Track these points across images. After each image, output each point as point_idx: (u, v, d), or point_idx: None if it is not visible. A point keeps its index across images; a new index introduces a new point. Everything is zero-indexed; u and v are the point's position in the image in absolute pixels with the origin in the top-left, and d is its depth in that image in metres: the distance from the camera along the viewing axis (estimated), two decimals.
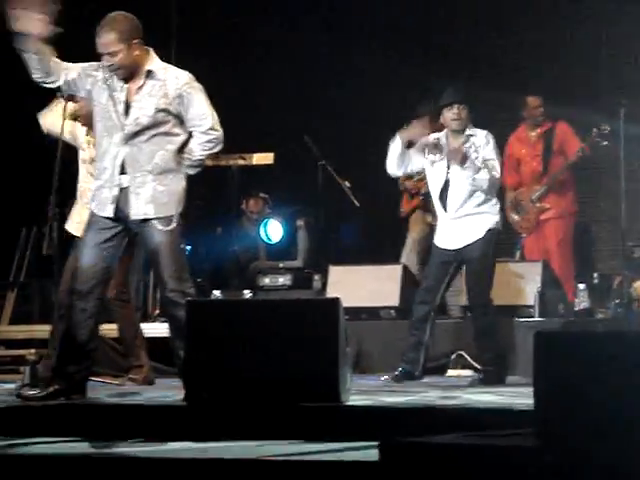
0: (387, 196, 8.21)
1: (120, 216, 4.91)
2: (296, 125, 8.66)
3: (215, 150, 5.01)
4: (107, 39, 4.85)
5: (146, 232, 4.91)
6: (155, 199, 4.87)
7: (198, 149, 4.94)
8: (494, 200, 6.15)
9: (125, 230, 4.96)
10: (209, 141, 4.95)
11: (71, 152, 5.97)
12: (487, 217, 6.10)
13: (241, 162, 8.13)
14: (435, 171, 6.16)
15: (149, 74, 4.90)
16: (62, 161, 5.57)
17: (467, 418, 4.17)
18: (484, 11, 8.92)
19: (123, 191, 4.88)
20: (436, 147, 6.15)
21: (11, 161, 8.54)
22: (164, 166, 4.90)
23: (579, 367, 3.49)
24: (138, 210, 4.88)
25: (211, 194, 8.44)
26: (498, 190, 6.32)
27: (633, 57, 8.38)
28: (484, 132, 6.15)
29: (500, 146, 7.83)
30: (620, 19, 8.38)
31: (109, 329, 6.84)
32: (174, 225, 4.89)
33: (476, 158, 6.00)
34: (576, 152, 7.58)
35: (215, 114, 4.96)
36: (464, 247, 6.08)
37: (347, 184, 7.94)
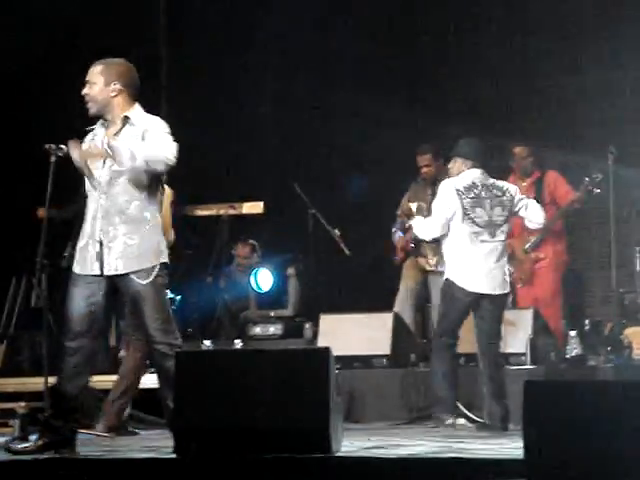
0: (377, 243, 8.23)
1: (102, 275, 4.88)
2: (286, 174, 8.69)
3: (157, 162, 4.75)
4: (92, 69, 4.93)
5: (125, 286, 4.88)
6: (126, 254, 4.84)
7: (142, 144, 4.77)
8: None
9: (110, 283, 4.91)
10: (158, 150, 4.75)
11: (61, 204, 5.98)
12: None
13: (231, 211, 8.14)
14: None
15: (126, 120, 4.90)
16: (51, 212, 5.58)
17: (458, 469, 4.15)
18: (473, 59, 8.99)
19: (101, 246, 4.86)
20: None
21: (1, 212, 8.54)
22: (138, 218, 4.86)
23: (569, 416, 3.49)
24: (110, 266, 4.85)
25: (201, 243, 8.44)
26: None
27: (619, 105, 8.44)
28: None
29: None
30: (603, 67, 8.47)
31: (98, 380, 6.82)
32: (153, 277, 4.84)
33: None
34: (571, 201, 7.60)
35: (175, 152, 4.80)
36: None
37: (337, 232, 7.95)
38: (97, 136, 4.97)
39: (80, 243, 4.95)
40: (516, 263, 7.73)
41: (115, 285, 4.92)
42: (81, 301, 4.87)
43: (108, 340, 7.31)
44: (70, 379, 4.88)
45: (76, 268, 4.94)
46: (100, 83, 4.89)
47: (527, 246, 7.73)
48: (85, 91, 4.92)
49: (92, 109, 4.93)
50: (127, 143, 4.77)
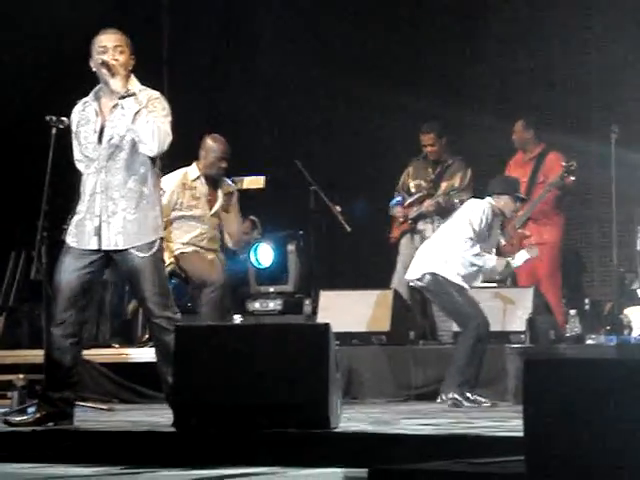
0: (378, 221, 8.22)
1: (100, 250, 4.86)
2: (287, 149, 8.67)
3: (146, 149, 4.75)
4: (119, 37, 4.85)
5: (123, 260, 4.85)
6: (125, 230, 4.82)
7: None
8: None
9: (105, 257, 4.90)
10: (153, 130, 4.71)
11: (61, 176, 5.96)
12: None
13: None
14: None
15: (125, 93, 4.83)
16: (52, 185, 5.55)
17: (456, 445, 4.16)
18: (478, 40, 8.95)
19: (100, 221, 4.83)
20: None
21: (0, 185, 8.52)
22: (137, 193, 4.84)
23: (569, 394, 3.48)
24: (109, 241, 4.84)
25: None
26: None
27: (623, 83, 8.41)
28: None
29: (494, 173, 7.93)
30: (608, 45, 8.43)
31: (97, 354, 6.83)
32: (151, 252, 4.82)
33: None
34: (544, 189, 7.63)
35: (169, 137, 4.78)
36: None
37: (338, 209, 7.94)
38: (90, 107, 4.91)
39: (77, 217, 4.91)
40: (507, 237, 7.76)
41: (111, 260, 4.90)
42: (72, 272, 4.84)
43: (107, 313, 7.30)
44: (60, 350, 4.86)
45: (72, 242, 4.90)
46: (127, 53, 4.85)
47: (516, 222, 7.74)
48: (118, 57, 4.80)
49: (111, 75, 4.76)
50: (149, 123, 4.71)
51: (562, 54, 8.77)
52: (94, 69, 4.87)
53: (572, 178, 7.46)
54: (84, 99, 4.99)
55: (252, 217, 8.63)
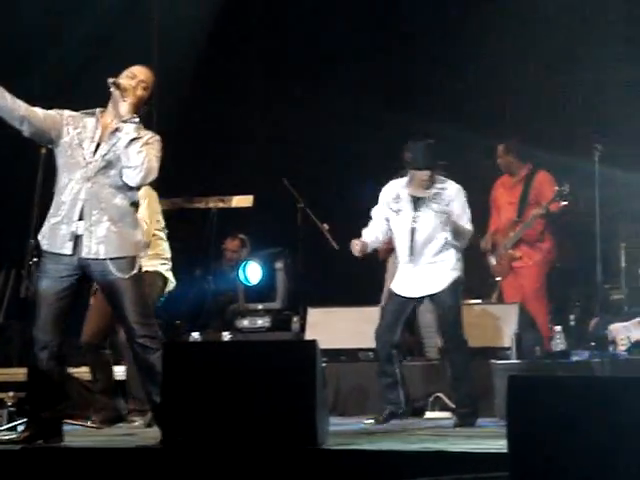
0: None
1: (76, 258, 4.85)
2: (276, 168, 8.72)
3: (131, 178, 4.86)
4: (150, 75, 4.97)
5: (102, 275, 4.86)
6: (108, 239, 4.83)
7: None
8: (459, 253, 6.25)
9: (83, 277, 4.90)
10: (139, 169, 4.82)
11: (50, 194, 6.00)
12: (451, 268, 6.20)
13: (220, 204, 8.17)
14: (400, 219, 6.24)
15: (129, 119, 4.92)
16: (41, 203, 5.59)
17: (443, 461, 4.19)
18: (466, 56, 9.02)
19: (80, 229, 4.84)
20: (398, 200, 6.24)
21: None
22: (122, 209, 4.88)
23: (552, 411, 3.52)
24: (90, 249, 4.84)
25: (190, 236, 8.46)
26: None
27: (608, 102, 8.49)
28: (455, 185, 6.25)
29: (486, 192, 7.98)
30: (592, 65, 8.51)
31: (85, 371, 6.84)
32: (133, 271, 4.84)
33: (446, 213, 6.11)
34: (533, 214, 7.66)
35: (154, 174, 4.87)
36: (427, 296, 6.19)
37: (326, 227, 7.99)
38: (90, 118, 4.98)
39: (52, 220, 4.90)
40: (496, 257, 7.82)
41: (87, 272, 4.89)
42: (50, 291, 4.84)
43: None
44: (46, 372, 4.86)
45: (45, 245, 4.90)
46: (149, 92, 4.95)
47: (507, 243, 7.80)
48: (139, 90, 4.91)
49: (128, 103, 4.86)
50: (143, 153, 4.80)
51: (548, 73, 8.84)
52: (109, 86, 4.94)
53: (564, 203, 7.49)
54: (86, 110, 5.04)
55: (241, 235, 8.69)
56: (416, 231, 6.17)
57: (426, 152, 6.17)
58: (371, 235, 6.30)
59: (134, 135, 4.83)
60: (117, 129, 4.91)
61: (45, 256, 4.91)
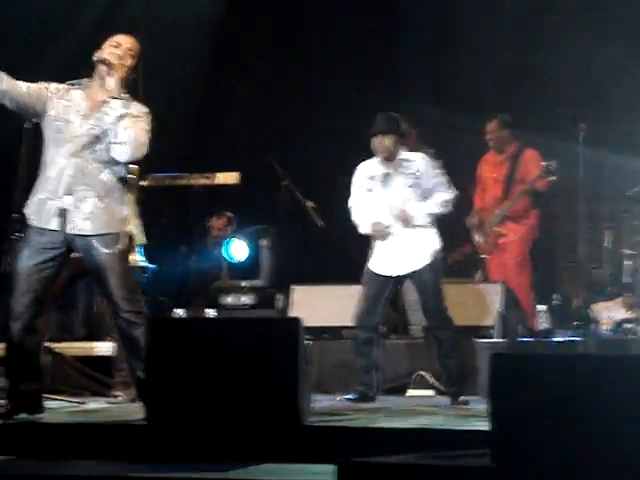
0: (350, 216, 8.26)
1: (62, 233, 4.83)
2: (261, 145, 8.69)
3: (121, 154, 4.83)
4: (134, 43, 4.92)
5: (87, 251, 4.85)
6: (94, 215, 4.82)
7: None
8: (434, 227, 6.27)
9: (67, 251, 4.88)
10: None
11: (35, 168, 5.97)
12: (430, 243, 6.22)
13: (205, 181, 8.14)
14: (373, 198, 6.29)
15: (120, 96, 4.88)
16: (25, 178, 5.56)
17: (424, 439, 4.21)
18: (451, 35, 9.00)
19: (66, 204, 4.81)
20: (372, 178, 6.27)
21: None
22: (109, 184, 4.86)
23: (535, 389, 3.54)
24: (75, 225, 4.82)
25: (175, 213, 8.44)
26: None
27: (593, 80, 8.49)
28: (419, 155, 6.29)
29: (468, 168, 7.97)
30: (580, 43, 8.50)
31: (69, 347, 6.84)
32: (118, 246, 4.84)
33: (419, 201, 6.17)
34: (518, 193, 7.69)
35: (144, 149, 4.86)
36: (407, 274, 6.19)
37: (310, 204, 7.98)
38: (77, 91, 4.94)
39: (39, 195, 4.87)
40: (482, 234, 7.83)
41: (73, 247, 4.87)
42: (31, 261, 4.81)
43: (80, 306, 7.30)
44: (20, 343, 4.85)
45: (32, 220, 4.87)
46: (136, 60, 4.93)
47: (492, 220, 7.81)
48: (126, 59, 4.89)
49: (104, 71, 4.85)
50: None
51: (535, 52, 8.84)
52: (95, 59, 4.91)
53: (552, 178, 7.50)
54: (71, 81, 5.01)
55: (228, 213, 8.67)
56: (390, 207, 6.19)
57: (383, 120, 6.27)
58: (369, 215, 6.29)
59: (123, 111, 4.80)
60: (104, 102, 4.88)
61: (30, 229, 4.89)
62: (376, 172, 6.31)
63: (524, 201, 7.75)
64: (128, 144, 4.79)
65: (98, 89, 4.92)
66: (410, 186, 6.20)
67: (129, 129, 4.79)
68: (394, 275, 6.24)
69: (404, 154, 6.29)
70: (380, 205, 6.26)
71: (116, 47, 4.90)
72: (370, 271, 6.34)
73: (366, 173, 6.36)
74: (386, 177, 6.26)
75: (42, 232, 4.85)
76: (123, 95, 4.87)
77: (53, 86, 4.96)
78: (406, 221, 6.17)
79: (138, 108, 4.90)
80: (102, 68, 4.87)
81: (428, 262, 6.17)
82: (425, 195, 6.22)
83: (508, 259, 7.72)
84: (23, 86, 4.90)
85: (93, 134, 4.87)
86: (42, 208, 4.85)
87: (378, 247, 6.31)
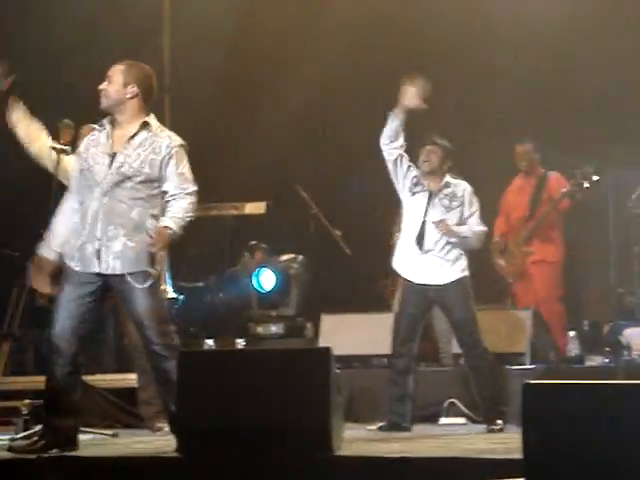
0: (378, 244, 8.27)
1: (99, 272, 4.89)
2: (288, 174, 8.72)
3: (192, 215, 4.97)
4: (115, 66, 4.98)
5: (120, 287, 4.88)
6: (124, 254, 4.85)
7: (183, 211, 4.90)
8: (465, 255, 6.26)
9: (103, 285, 4.91)
10: (192, 204, 4.94)
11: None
12: (460, 262, 6.21)
13: (234, 211, 8.18)
14: (413, 204, 6.26)
15: (145, 125, 4.94)
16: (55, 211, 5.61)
17: (457, 467, 4.20)
18: (476, 57, 8.98)
19: (99, 245, 4.86)
20: (417, 184, 6.26)
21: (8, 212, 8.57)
22: (139, 222, 4.88)
23: (567, 417, 3.52)
24: (107, 264, 4.86)
25: (204, 244, 8.47)
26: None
27: (620, 105, 8.46)
28: (466, 185, 6.29)
29: (494, 195, 7.96)
30: (607, 66, 8.47)
31: (101, 379, 6.87)
32: (150, 282, 4.85)
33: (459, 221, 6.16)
34: (561, 192, 7.65)
35: (192, 182, 4.96)
36: (439, 286, 6.15)
37: (338, 233, 8.00)
38: (103, 132, 5.00)
39: (78, 241, 4.92)
40: (509, 257, 7.80)
41: (109, 286, 4.93)
42: (72, 300, 4.86)
43: (110, 339, 7.33)
44: (60, 379, 4.87)
45: (75, 266, 4.91)
46: (119, 82, 4.93)
47: (520, 239, 7.78)
48: (102, 86, 4.96)
49: (102, 103, 4.96)
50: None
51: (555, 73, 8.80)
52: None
53: (587, 185, 7.43)
54: (94, 125, 5.09)
55: (264, 245, 8.68)
56: (426, 224, 6.19)
57: (439, 139, 6.28)
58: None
59: (151, 147, 4.87)
60: (133, 137, 4.92)
61: (71, 275, 4.92)
62: (423, 182, 6.27)
63: (551, 223, 7.73)
64: (190, 179, 4.93)
65: (117, 125, 4.97)
66: (451, 210, 6.20)
67: (182, 162, 4.90)
68: (424, 284, 6.18)
69: (448, 177, 6.28)
70: (418, 216, 6.22)
71: (108, 83, 4.94)
72: (402, 279, 6.28)
73: (415, 172, 6.29)
74: (431, 194, 6.23)
75: (83, 278, 4.89)
76: (149, 127, 4.92)
77: (81, 148, 5.05)
78: (445, 229, 6.13)
79: (170, 146, 4.93)
80: (111, 110, 4.95)
81: (457, 285, 6.14)
82: (460, 224, 6.22)
83: (536, 284, 7.69)
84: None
85: (122, 172, 4.89)
86: (82, 254, 4.89)
87: (407, 250, 6.25)
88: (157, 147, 4.92)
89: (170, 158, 4.91)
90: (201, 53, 9.12)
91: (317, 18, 9.11)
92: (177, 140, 4.98)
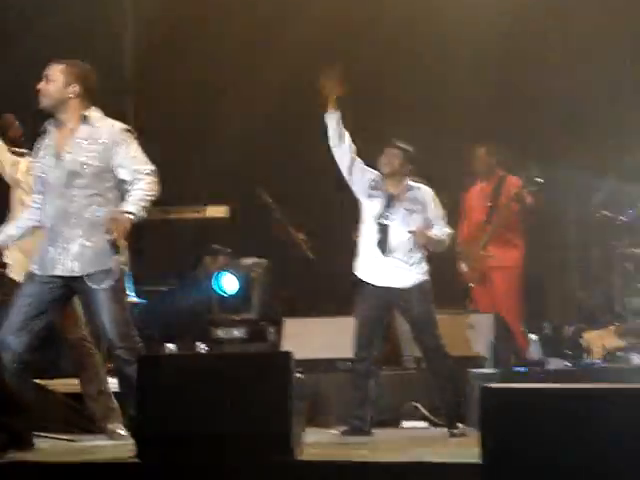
0: (340, 249, 8.26)
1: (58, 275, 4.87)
2: (250, 177, 8.70)
3: (154, 195, 4.88)
4: (53, 66, 4.93)
5: (81, 289, 4.86)
6: (82, 256, 4.81)
7: (143, 193, 4.81)
8: (425, 258, 6.28)
9: (60, 286, 4.88)
10: (154, 182, 4.86)
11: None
12: (421, 266, 6.23)
13: (195, 215, 8.16)
14: (372, 208, 6.25)
15: (84, 119, 4.90)
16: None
17: (417, 472, 4.19)
18: (437, 61, 9.01)
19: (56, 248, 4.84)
20: (375, 187, 6.25)
21: None
22: (94, 221, 4.84)
23: (526, 421, 3.53)
24: (65, 266, 4.83)
25: (165, 247, 8.43)
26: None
27: (585, 106, 8.50)
28: (428, 189, 6.29)
29: (454, 199, 7.98)
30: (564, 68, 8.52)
31: (59, 384, 6.80)
32: (109, 281, 4.83)
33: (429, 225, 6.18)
34: (504, 206, 7.70)
35: (150, 165, 4.90)
36: (400, 289, 6.15)
37: (301, 236, 7.99)
38: (49, 135, 4.96)
39: (40, 245, 4.90)
40: (470, 262, 7.83)
41: (71, 288, 4.90)
42: (25, 297, 4.84)
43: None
44: (10, 375, 4.81)
45: (35, 270, 4.90)
46: (59, 81, 4.89)
47: (480, 244, 7.81)
48: (41, 86, 4.91)
49: (43, 103, 4.92)
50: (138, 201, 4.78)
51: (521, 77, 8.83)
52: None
53: (534, 188, 7.50)
54: (42, 129, 5.04)
55: (225, 249, 8.64)
56: (387, 227, 6.18)
57: (403, 144, 6.27)
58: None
59: (95, 139, 4.83)
60: (72, 130, 4.87)
61: (32, 277, 4.90)
62: (381, 186, 6.25)
63: (509, 227, 7.76)
64: (145, 160, 4.87)
65: (59, 123, 4.94)
66: (412, 213, 6.19)
67: (131, 146, 4.84)
68: (385, 286, 6.17)
69: (409, 181, 6.27)
70: (376, 220, 6.21)
71: (47, 82, 4.90)
72: (361, 282, 6.27)
73: (373, 175, 6.27)
74: (391, 197, 6.22)
75: (43, 279, 4.86)
76: (88, 119, 4.88)
77: (30, 160, 5.09)
78: (423, 239, 6.12)
79: (112, 130, 4.88)
80: (53, 110, 4.91)
81: (418, 288, 6.14)
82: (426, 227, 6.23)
83: (496, 288, 7.72)
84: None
85: (71, 171, 4.85)
86: (43, 257, 4.88)
87: (368, 255, 6.25)
88: (99, 136, 4.87)
89: (117, 145, 4.86)
90: (167, 54, 9.07)
91: (284, 20, 9.11)
92: (119, 126, 4.93)
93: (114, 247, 4.79)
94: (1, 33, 8.32)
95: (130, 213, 4.75)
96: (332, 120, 6.12)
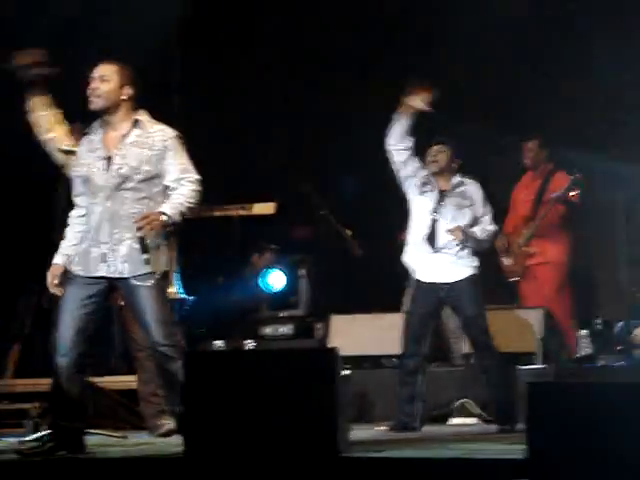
0: (388, 244, 8.24)
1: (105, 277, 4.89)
2: (297, 174, 8.69)
3: (195, 203, 4.90)
4: (107, 67, 4.93)
5: (127, 289, 4.89)
6: (131, 258, 4.84)
7: (183, 199, 4.83)
8: (475, 254, 6.25)
9: (109, 285, 4.92)
10: (196, 191, 4.89)
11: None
12: (471, 260, 6.20)
13: (242, 212, 8.17)
14: (422, 203, 6.24)
15: (136, 123, 4.92)
16: (64, 215, 5.62)
17: (464, 469, 4.17)
18: (482, 55, 8.93)
19: (105, 249, 4.86)
20: (427, 183, 6.23)
21: (16, 212, 8.59)
22: None
23: (573, 417, 3.50)
24: (115, 268, 4.86)
25: (212, 244, 8.46)
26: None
27: (626, 103, 8.40)
28: (477, 184, 6.26)
29: (498, 191, 7.92)
30: (615, 66, 8.41)
31: (110, 381, 6.87)
32: (154, 281, 4.84)
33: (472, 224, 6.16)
34: (549, 203, 7.63)
35: (194, 171, 4.93)
36: (450, 284, 6.13)
37: (348, 232, 7.98)
38: (96, 136, 4.99)
39: (82, 246, 4.92)
40: (512, 257, 7.76)
41: (115, 288, 4.94)
42: (76, 302, 4.85)
43: (116, 340, 7.33)
44: (67, 380, 4.85)
45: (78, 271, 4.91)
46: (115, 82, 4.90)
47: (521, 240, 7.76)
48: (96, 85, 4.91)
49: (97, 104, 4.91)
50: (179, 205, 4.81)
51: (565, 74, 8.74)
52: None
53: (576, 191, 7.44)
54: (86, 131, 5.05)
55: (272, 246, 8.66)
56: (437, 223, 6.16)
57: (447, 138, 6.26)
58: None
59: (146, 144, 4.85)
60: (125, 135, 4.90)
61: (75, 279, 4.91)
62: (433, 182, 6.25)
63: (553, 220, 7.69)
64: (190, 168, 4.90)
65: (107, 126, 4.95)
66: (462, 208, 6.17)
67: (179, 153, 4.86)
68: (437, 282, 6.15)
69: (459, 176, 6.26)
70: (427, 215, 6.20)
71: (102, 83, 4.90)
72: (414, 280, 6.26)
73: (425, 172, 6.26)
74: (441, 193, 6.21)
75: (88, 281, 4.88)
76: (139, 123, 4.90)
77: (80, 149, 5.04)
78: (460, 236, 6.10)
79: (163, 135, 4.91)
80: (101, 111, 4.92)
81: (468, 282, 6.12)
82: (473, 224, 6.21)
83: (544, 285, 7.65)
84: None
85: (121, 174, 4.87)
86: (87, 258, 4.89)
87: (418, 252, 6.23)
88: (152, 142, 4.90)
89: (166, 151, 4.89)
90: (213, 53, 9.08)
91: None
92: (171, 132, 4.96)
93: (143, 245, 4.81)
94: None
95: (164, 214, 4.79)
96: (403, 123, 6.11)
